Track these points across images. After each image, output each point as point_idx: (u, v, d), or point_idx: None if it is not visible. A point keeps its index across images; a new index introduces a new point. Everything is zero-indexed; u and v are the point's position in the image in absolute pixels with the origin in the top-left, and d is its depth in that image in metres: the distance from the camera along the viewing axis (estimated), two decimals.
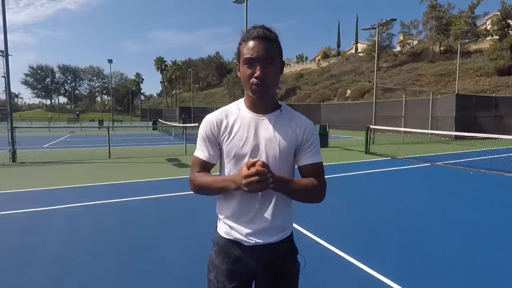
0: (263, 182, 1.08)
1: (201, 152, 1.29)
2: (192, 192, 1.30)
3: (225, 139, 1.24)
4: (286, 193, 1.22)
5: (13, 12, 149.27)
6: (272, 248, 1.27)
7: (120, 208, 4.85)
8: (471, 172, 7.97)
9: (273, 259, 1.28)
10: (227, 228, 1.28)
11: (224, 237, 1.29)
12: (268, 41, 1.17)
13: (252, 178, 1.07)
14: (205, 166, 1.28)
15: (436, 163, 9.22)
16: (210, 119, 1.27)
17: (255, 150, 1.22)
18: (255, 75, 1.15)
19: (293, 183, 1.21)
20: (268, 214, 1.24)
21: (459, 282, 2.76)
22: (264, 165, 1.09)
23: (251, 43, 1.16)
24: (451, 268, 3.00)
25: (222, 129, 1.25)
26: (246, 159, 1.21)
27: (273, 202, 1.25)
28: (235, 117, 1.25)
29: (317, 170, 1.28)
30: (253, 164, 1.09)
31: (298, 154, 1.28)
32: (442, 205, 5.19)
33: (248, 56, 1.15)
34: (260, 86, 1.16)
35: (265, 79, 1.15)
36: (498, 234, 3.90)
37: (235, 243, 1.27)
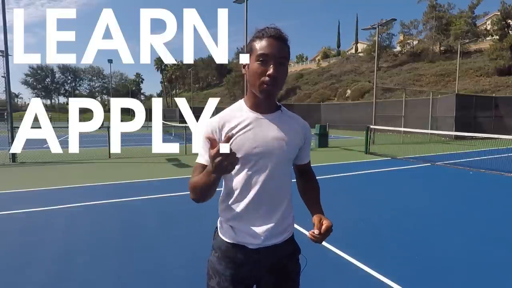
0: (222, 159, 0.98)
1: (201, 157, 1.22)
2: (192, 200, 1.19)
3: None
4: None
5: (13, 12, 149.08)
6: (277, 249, 1.26)
7: (120, 208, 4.85)
8: (471, 172, 7.97)
9: (278, 261, 1.28)
10: (231, 231, 1.25)
11: (227, 242, 1.26)
12: (283, 42, 1.18)
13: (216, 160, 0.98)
14: None
15: (436, 163, 9.22)
16: (211, 122, 1.22)
17: (263, 150, 1.20)
18: (268, 73, 1.13)
19: (321, 208, 1.34)
20: (276, 216, 1.24)
21: (459, 282, 2.76)
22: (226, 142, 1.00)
23: (267, 41, 1.15)
24: (451, 268, 3.00)
25: (224, 132, 1.19)
26: (253, 160, 1.20)
27: (281, 204, 1.25)
28: (239, 118, 1.21)
29: (310, 165, 1.45)
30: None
31: (300, 154, 1.34)
32: (442, 205, 5.19)
33: (262, 52, 1.14)
34: (270, 85, 1.14)
35: (277, 78, 1.14)
36: (498, 234, 3.90)
37: (240, 247, 1.24)
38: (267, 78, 1.13)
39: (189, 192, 1.20)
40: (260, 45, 1.15)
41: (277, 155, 1.21)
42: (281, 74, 1.16)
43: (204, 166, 1.18)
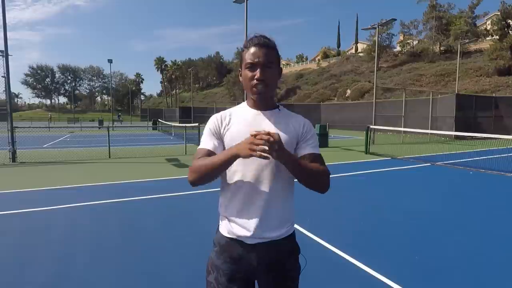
0: (268, 145, 1.08)
1: (206, 143, 1.31)
2: (190, 181, 1.26)
3: (227, 132, 1.30)
4: (294, 168, 1.19)
5: (19, 9, 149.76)
6: (274, 246, 1.28)
7: (120, 208, 4.85)
8: (471, 172, 7.97)
9: (276, 258, 1.29)
10: (229, 226, 1.29)
11: (226, 236, 1.30)
12: (268, 48, 1.27)
13: (259, 138, 1.08)
14: (210, 155, 1.27)
15: (436, 163, 9.22)
16: (215, 115, 1.38)
17: None
18: (255, 77, 1.25)
19: (300, 160, 1.24)
20: (270, 208, 1.26)
21: (459, 282, 2.76)
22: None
23: (252, 50, 1.27)
24: (451, 268, 3.00)
25: (225, 123, 1.32)
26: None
27: (275, 196, 1.27)
28: (238, 113, 1.35)
29: (318, 159, 1.30)
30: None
31: (299, 147, 1.32)
32: (442, 205, 5.19)
33: (249, 61, 1.26)
34: (259, 86, 1.25)
35: (265, 79, 1.25)
36: (498, 234, 3.90)
37: (237, 241, 1.28)
38: (255, 81, 1.25)
39: (189, 184, 1.28)
40: (247, 54, 1.28)
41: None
42: (268, 76, 1.26)
43: (208, 151, 1.28)
